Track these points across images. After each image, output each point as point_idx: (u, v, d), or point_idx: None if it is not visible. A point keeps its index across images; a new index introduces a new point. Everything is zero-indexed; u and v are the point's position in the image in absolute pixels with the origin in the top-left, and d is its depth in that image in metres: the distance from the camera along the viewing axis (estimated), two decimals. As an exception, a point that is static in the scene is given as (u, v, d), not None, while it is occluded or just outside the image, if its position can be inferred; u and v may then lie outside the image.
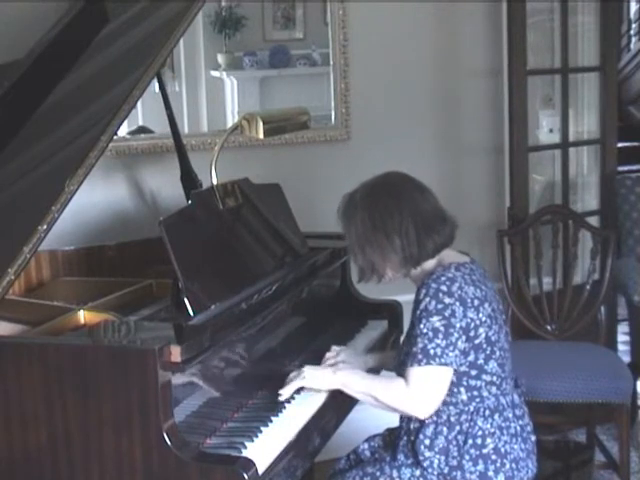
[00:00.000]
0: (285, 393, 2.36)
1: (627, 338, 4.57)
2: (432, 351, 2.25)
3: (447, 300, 2.27)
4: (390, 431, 2.57)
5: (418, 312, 2.30)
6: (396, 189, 2.40)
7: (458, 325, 2.27)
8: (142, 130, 3.53)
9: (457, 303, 2.27)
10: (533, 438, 2.44)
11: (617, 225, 4.19)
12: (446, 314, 2.26)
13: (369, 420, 3.21)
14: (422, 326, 2.27)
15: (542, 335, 3.75)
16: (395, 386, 2.32)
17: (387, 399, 2.32)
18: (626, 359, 4.09)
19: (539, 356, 3.50)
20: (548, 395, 3.33)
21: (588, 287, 3.76)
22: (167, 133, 3.06)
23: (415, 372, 2.27)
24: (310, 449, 2.33)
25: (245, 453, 2.09)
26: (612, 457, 3.63)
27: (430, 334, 2.26)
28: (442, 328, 2.26)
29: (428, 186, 2.45)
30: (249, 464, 1.99)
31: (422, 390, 2.28)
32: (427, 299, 2.29)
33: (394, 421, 2.53)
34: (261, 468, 2.04)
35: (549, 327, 3.77)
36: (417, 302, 2.32)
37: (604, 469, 3.70)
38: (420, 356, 2.26)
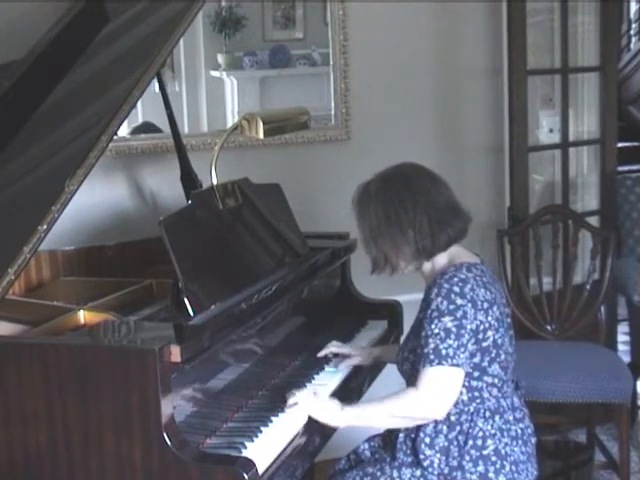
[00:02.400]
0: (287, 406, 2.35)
1: (627, 338, 4.57)
2: (444, 351, 2.24)
3: (459, 301, 2.26)
4: (390, 431, 2.56)
5: (429, 312, 2.29)
6: (410, 181, 2.38)
7: (469, 327, 2.26)
8: (147, 125, 3.52)
9: (469, 305, 2.26)
10: (534, 441, 2.44)
11: (617, 225, 4.19)
12: (458, 315, 2.25)
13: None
14: (434, 326, 2.26)
15: (542, 335, 3.75)
16: (406, 395, 2.30)
17: (401, 410, 2.30)
18: (626, 359, 4.09)
19: (539, 356, 3.50)
20: (548, 395, 3.33)
21: (588, 287, 3.76)
22: (169, 132, 3.06)
23: (427, 373, 2.26)
24: (310, 449, 2.33)
25: (245, 453, 2.09)
26: (612, 457, 3.63)
27: (442, 334, 2.25)
28: (454, 329, 2.25)
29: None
30: (249, 464, 1.99)
31: (435, 390, 2.26)
32: (439, 299, 2.28)
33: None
34: (261, 468, 2.04)
35: (549, 327, 3.77)
36: (428, 301, 2.31)
37: (604, 469, 3.70)
38: (432, 356, 2.25)
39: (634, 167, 5.98)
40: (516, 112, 3.92)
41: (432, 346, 2.25)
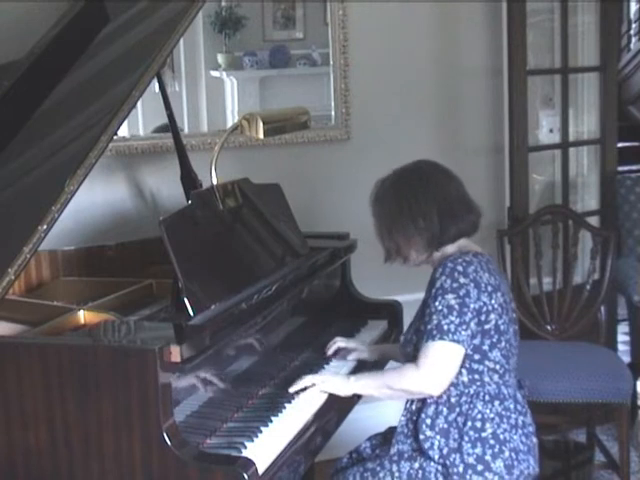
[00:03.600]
0: (296, 389, 2.41)
1: (627, 338, 4.57)
2: (446, 327, 2.29)
3: (462, 280, 2.31)
4: (392, 429, 2.57)
5: (434, 290, 2.34)
6: (424, 175, 2.47)
7: (472, 306, 2.31)
8: (167, 127, 3.49)
9: (472, 284, 2.32)
10: (535, 440, 2.45)
11: (617, 225, 4.19)
12: (461, 293, 2.30)
13: (370, 419, 3.21)
14: (437, 303, 2.31)
15: (542, 335, 3.75)
16: (406, 370, 2.36)
17: (401, 384, 2.35)
18: (626, 359, 4.09)
19: (539, 356, 3.50)
20: (548, 395, 3.33)
21: (588, 287, 3.76)
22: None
23: (428, 347, 2.30)
24: (310, 448, 2.33)
25: (245, 453, 2.09)
26: (612, 457, 3.63)
27: (445, 311, 2.30)
28: (457, 306, 2.30)
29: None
30: (249, 464, 1.99)
31: (434, 365, 2.31)
32: (443, 277, 2.33)
33: (396, 420, 2.52)
34: (261, 468, 2.04)
35: (549, 327, 3.77)
36: (433, 281, 2.37)
37: (604, 469, 3.70)
38: (434, 332, 2.30)
39: (634, 167, 5.99)
40: (516, 112, 3.93)
41: (435, 322, 2.30)
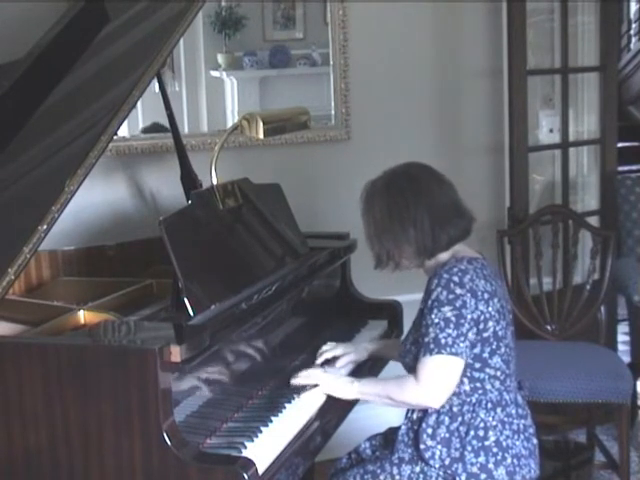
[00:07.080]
0: (300, 384, 2.43)
1: (627, 338, 4.57)
2: (443, 340, 2.27)
3: (458, 291, 2.29)
4: (392, 430, 2.57)
5: (430, 302, 2.32)
6: (415, 180, 2.42)
7: (469, 316, 2.29)
8: (156, 126, 3.51)
9: (468, 294, 2.29)
10: (535, 441, 2.45)
11: (617, 225, 4.20)
12: (457, 304, 2.28)
13: (370, 419, 3.21)
14: (433, 316, 2.29)
15: (542, 335, 3.75)
16: (407, 383, 2.34)
17: (402, 397, 2.35)
18: (626, 359, 4.09)
19: (539, 356, 3.50)
20: (548, 395, 3.33)
21: (588, 287, 3.76)
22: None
23: (427, 361, 2.29)
24: (311, 448, 2.33)
25: (245, 453, 2.09)
26: (612, 457, 3.63)
27: (442, 324, 2.28)
28: (453, 318, 2.28)
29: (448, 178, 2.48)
30: (249, 464, 1.99)
31: (433, 379, 2.29)
32: (439, 289, 2.31)
33: (395, 420, 2.53)
34: (261, 468, 2.04)
35: (549, 327, 3.77)
36: (428, 292, 2.35)
37: (604, 469, 3.70)
38: (432, 345, 2.28)
39: (634, 167, 5.99)
40: (516, 112, 3.92)
41: (432, 335, 2.28)
